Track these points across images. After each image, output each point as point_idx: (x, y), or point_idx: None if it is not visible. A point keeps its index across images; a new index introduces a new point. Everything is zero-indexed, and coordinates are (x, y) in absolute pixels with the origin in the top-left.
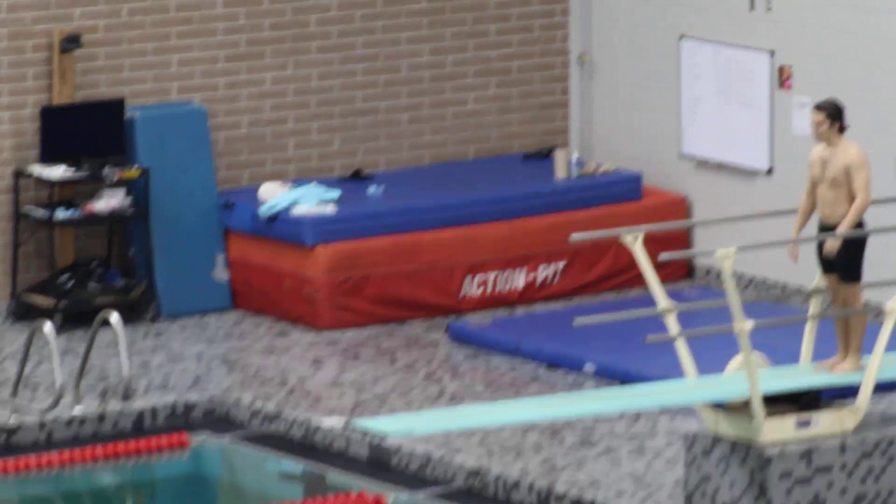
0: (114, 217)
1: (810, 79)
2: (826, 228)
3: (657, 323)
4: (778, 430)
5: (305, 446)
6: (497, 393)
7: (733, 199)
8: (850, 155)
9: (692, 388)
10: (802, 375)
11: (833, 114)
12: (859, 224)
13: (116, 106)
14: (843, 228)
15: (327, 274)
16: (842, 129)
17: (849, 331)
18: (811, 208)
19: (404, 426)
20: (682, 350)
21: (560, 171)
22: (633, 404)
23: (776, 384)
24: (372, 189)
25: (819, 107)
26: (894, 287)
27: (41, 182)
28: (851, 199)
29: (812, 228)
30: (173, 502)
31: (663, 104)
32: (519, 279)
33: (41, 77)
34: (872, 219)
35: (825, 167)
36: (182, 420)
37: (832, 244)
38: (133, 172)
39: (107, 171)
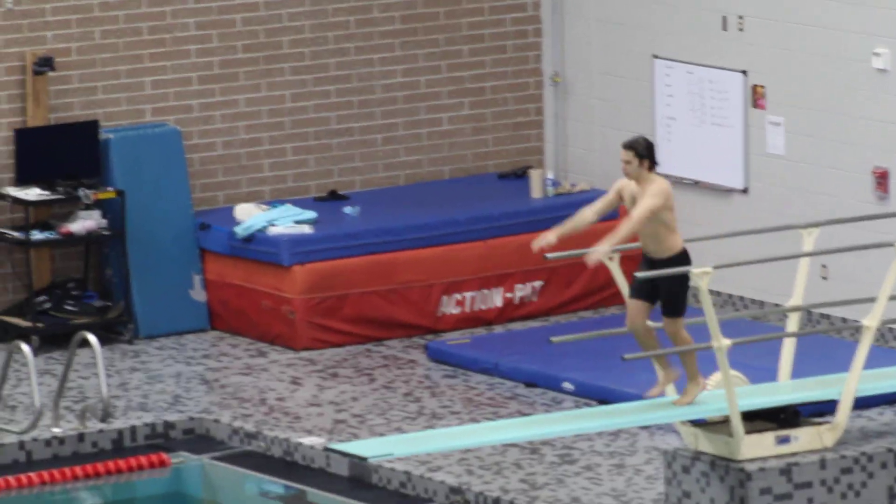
0: (90, 238)
1: (783, 98)
2: (651, 262)
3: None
4: (758, 447)
5: (285, 465)
6: (475, 411)
7: (709, 217)
8: (652, 188)
9: (672, 406)
10: (781, 392)
11: (641, 153)
12: (684, 260)
13: (91, 128)
14: (615, 238)
15: (304, 294)
16: (652, 167)
17: (683, 363)
18: (589, 221)
19: (383, 449)
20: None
21: (535, 191)
22: (613, 423)
23: (755, 401)
24: (348, 209)
25: (627, 146)
26: (870, 305)
27: (17, 204)
28: (668, 230)
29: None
30: None
31: (637, 123)
32: (496, 298)
33: (15, 100)
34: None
35: (636, 203)
36: (161, 439)
37: (594, 258)
38: (108, 194)
39: (82, 192)
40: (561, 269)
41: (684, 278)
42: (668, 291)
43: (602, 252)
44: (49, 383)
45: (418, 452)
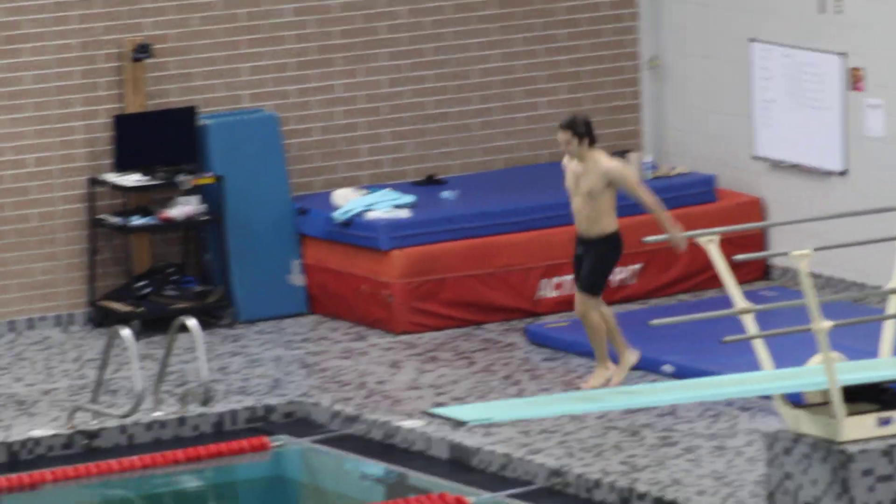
0: (189, 223)
1: (882, 80)
2: (583, 241)
3: (734, 324)
4: (859, 428)
5: (386, 448)
6: None
7: (808, 200)
8: (604, 166)
9: (770, 379)
10: (882, 368)
11: (579, 131)
12: (615, 241)
13: (188, 114)
14: (669, 224)
15: (403, 278)
16: (591, 143)
17: (592, 346)
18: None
19: (482, 414)
20: (761, 350)
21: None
22: (712, 394)
23: (855, 376)
24: (446, 193)
25: (563, 126)
26: None
27: (116, 190)
28: (609, 212)
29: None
30: None
31: (735, 106)
32: None
33: (113, 87)
34: None
35: (578, 181)
36: (261, 423)
37: (683, 243)
38: (207, 179)
39: (181, 178)
40: (659, 253)
41: (606, 260)
42: (588, 267)
43: (682, 235)
44: (150, 367)
45: (517, 418)
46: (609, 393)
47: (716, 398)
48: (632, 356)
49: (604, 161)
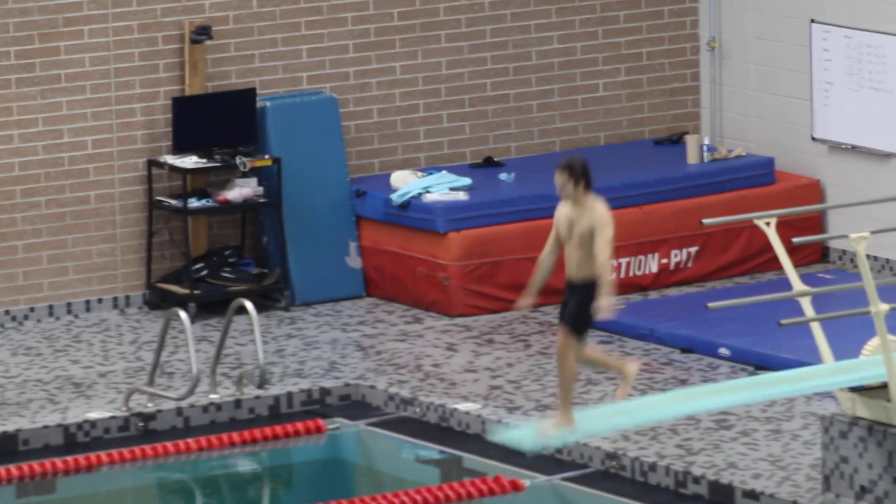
0: (246, 206)
1: None
2: (571, 285)
3: (791, 306)
4: None
5: (441, 431)
6: None
7: (867, 182)
8: (595, 214)
9: (830, 373)
10: None
11: (577, 174)
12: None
13: (247, 95)
14: (605, 289)
15: (459, 260)
16: (587, 187)
17: (560, 388)
18: (549, 266)
19: (540, 441)
20: (818, 334)
21: (692, 157)
22: (772, 393)
23: None
24: (503, 176)
25: (561, 168)
26: None
27: (174, 172)
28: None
29: None
30: (310, 487)
31: (794, 88)
32: (652, 264)
33: (173, 68)
34: None
35: (572, 227)
36: (317, 406)
37: (608, 311)
38: (265, 161)
39: (239, 160)
40: (716, 235)
41: (592, 303)
42: (574, 305)
43: (612, 302)
44: (206, 350)
45: (574, 440)
46: (666, 399)
47: (779, 397)
48: (632, 368)
49: (598, 208)
